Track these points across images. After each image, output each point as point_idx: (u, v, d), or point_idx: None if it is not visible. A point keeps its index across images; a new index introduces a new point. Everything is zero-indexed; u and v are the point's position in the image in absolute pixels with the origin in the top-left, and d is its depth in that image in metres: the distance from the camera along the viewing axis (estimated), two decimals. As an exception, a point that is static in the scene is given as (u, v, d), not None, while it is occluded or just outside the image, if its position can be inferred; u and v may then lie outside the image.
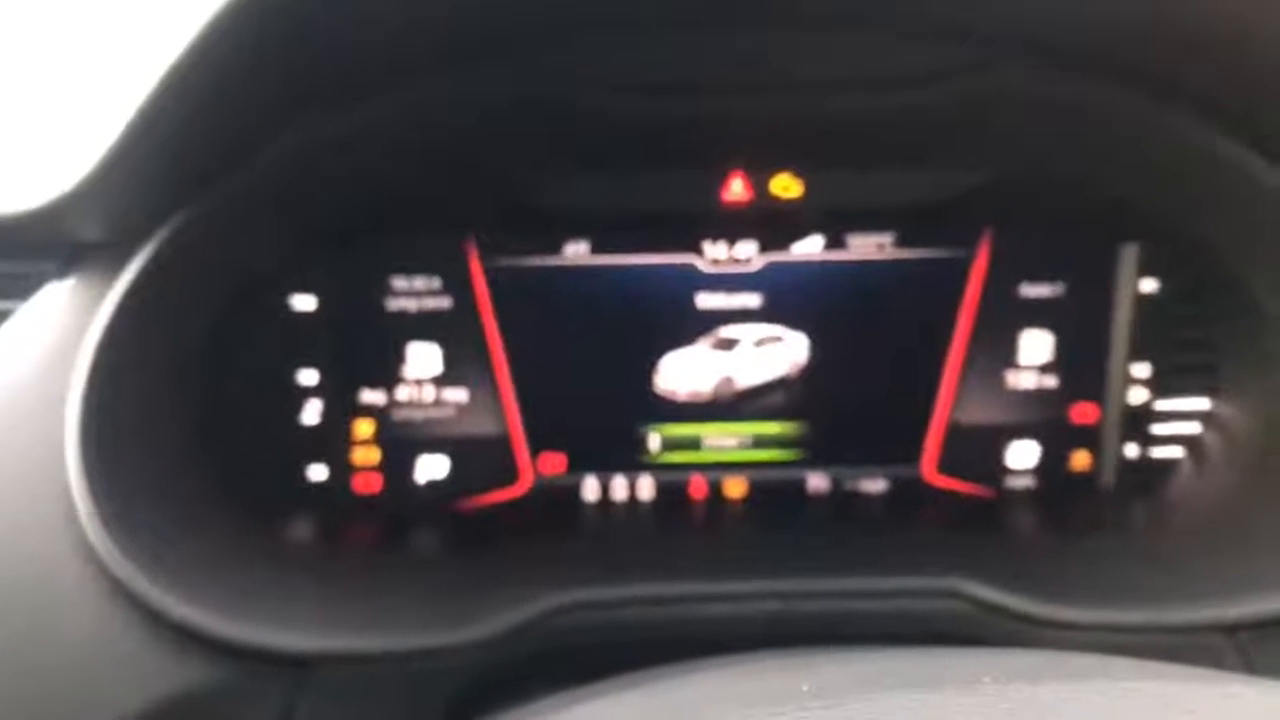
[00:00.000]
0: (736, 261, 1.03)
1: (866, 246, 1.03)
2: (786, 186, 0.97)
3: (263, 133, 0.78)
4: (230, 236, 0.85)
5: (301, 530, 1.03)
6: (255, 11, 0.63)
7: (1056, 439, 1.08)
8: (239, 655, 0.76)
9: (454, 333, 1.03)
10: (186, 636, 0.75)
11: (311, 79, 0.75)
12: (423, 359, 1.04)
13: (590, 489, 1.08)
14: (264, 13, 0.63)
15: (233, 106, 0.73)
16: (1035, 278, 1.04)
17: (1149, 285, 1.03)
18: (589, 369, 1.05)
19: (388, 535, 1.04)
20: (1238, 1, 0.69)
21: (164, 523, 0.82)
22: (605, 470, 1.08)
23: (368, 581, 0.92)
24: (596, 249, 1.02)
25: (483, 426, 1.06)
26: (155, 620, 0.75)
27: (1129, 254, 1.03)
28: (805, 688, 0.48)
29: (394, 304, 1.02)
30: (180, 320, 0.87)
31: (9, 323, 0.83)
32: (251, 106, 0.75)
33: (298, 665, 0.79)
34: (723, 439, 1.08)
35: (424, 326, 1.03)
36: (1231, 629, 0.83)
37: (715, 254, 1.03)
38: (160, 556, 0.78)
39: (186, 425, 0.91)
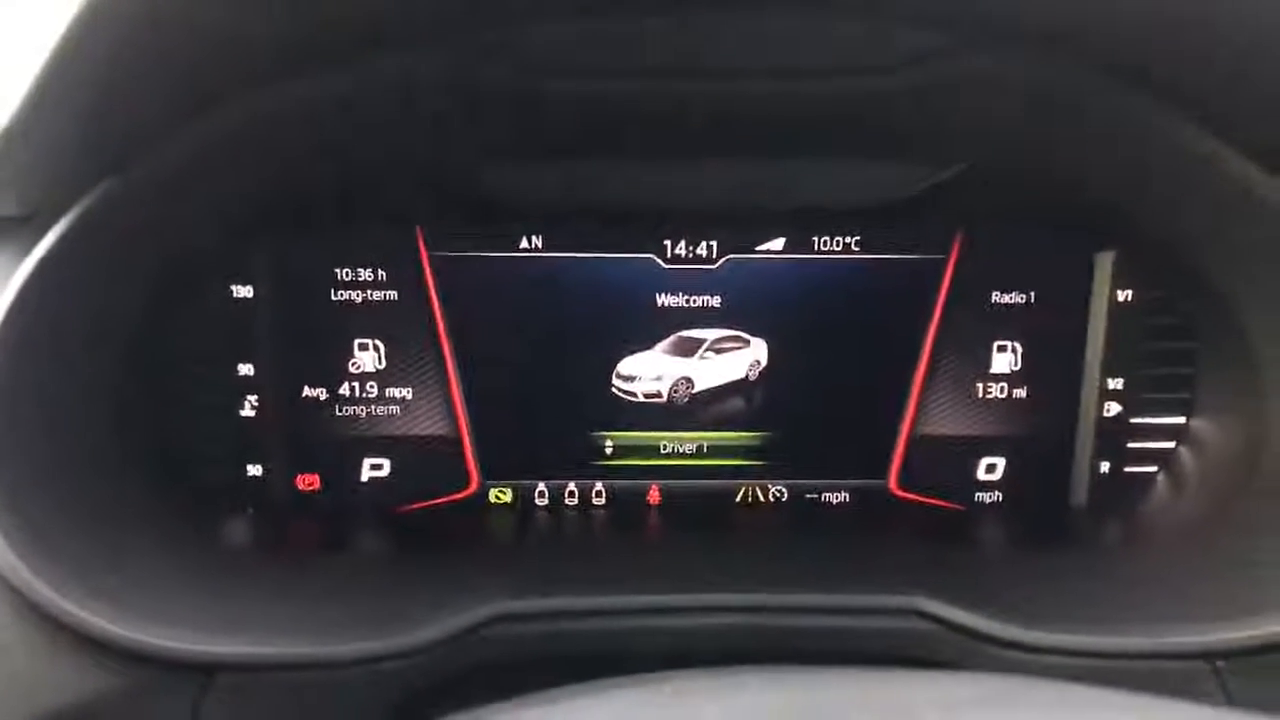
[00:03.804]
0: (698, 259, 0.99)
1: (832, 248, 0.99)
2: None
3: (181, 112, 0.74)
4: (155, 216, 0.80)
5: (235, 528, 0.98)
6: None
7: (1027, 453, 1.04)
8: (136, 661, 0.71)
9: (400, 327, 0.99)
10: (82, 641, 0.70)
11: (230, 59, 0.71)
12: (367, 354, 0.99)
13: (541, 494, 1.04)
14: None
15: (140, 83, 0.69)
16: (1007, 285, 1.00)
17: (1125, 294, 0.99)
18: (542, 369, 1.01)
19: (327, 536, 0.99)
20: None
21: (75, 521, 0.77)
22: (557, 475, 1.04)
23: (301, 585, 0.88)
24: (551, 244, 0.97)
25: (429, 426, 1.01)
26: (49, 622, 0.70)
27: (1104, 261, 0.99)
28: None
29: (338, 296, 0.98)
30: (101, 301, 0.83)
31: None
32: (164, 84, 0.71)
33: (204, 672, 0.73)
34: (681, 445, 1.04)
35: (369, 320, 0.98)
36: (1209, 656, 0.79)
37: (676, 251, 0.98)
38: (67, 560, 0.73)
39: (108, 413, 0.86)
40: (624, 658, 0.79)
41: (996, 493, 1.05)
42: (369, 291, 0.98)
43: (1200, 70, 0.74)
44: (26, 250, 0.75)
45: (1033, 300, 1.00)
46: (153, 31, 0.64)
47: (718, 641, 0.83)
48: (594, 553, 0.99)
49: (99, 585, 0.74)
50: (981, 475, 1.04)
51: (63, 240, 0.75)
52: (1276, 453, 0.92)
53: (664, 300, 1.00)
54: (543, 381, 1.01)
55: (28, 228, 0.77)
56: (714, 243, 0.98)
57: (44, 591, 0.69)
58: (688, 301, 1.00)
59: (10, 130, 0.68)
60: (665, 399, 1.02)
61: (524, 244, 0.97)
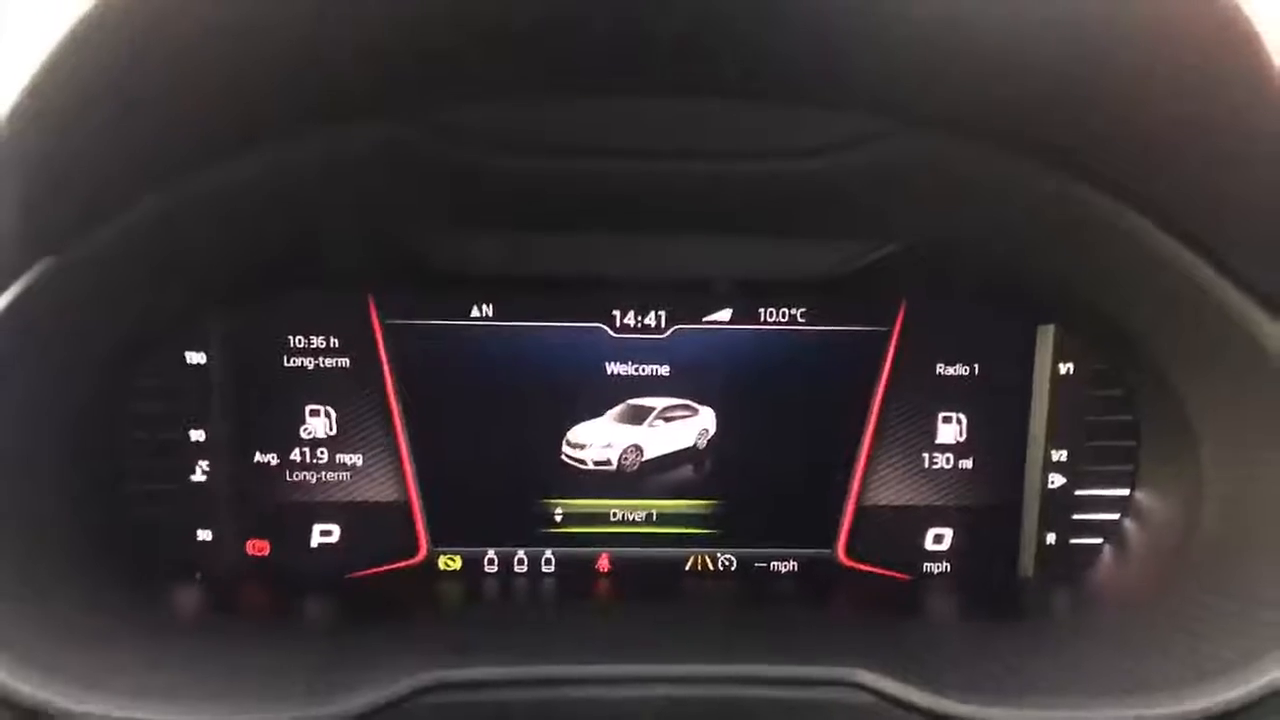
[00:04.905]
0: (646, 329, 1.00)
1: (778, 319, 1.00)
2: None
3: (121, 192, 0.75)
4: (99, 291, 0.82)
5: (185, 595, 0.98)
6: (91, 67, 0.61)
7: (974, 523, 1.04)
8: None
9: (352, 394, 1.00)
10: (10, 709, 0.70)
11: (171, 140, 0.73)
12: (319, 420, 1.00)
13: (490, 561, 1.04)
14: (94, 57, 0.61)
15: (81, 164, 0.71)
16: (951, 357, 1.02)
17: (1067, 367, 1.01)
18: (493, 436, 1.02)
19: (275, 602, 0.99)
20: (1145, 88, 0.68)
21: (11, 587, 0.77)
22: (507, 542, 1.04)
23: (247, 650, 0.87)
24: (501, 313, 0.99)
25: (379, 493, 1.02)
26: None
27: (1046, 335, 1.00)
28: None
29: (290, 362, 0.99)
30: (51, 371, 0.84)
31: None
32: (104, 165, 0.72)
33: None
34: (631, 514, 1.04)
35: (321, 386, 1.00)
36: None
37: (625, 321, 1.00)
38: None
39: (60, 482, 0.87)
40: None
41: (944, 563, 1.05)
42: (321, 358, 0.99)
43: (1135, 154, 0.76)
44: None
45: (977, 372, 1.02)
46: (94, 114, 0.66)
47: (659, 712, 0.82)
48: (542, 621, 0.99)
49: (32, 651, 0.74)
50: (929, 545, 1.05)
51: (5, 315, 0.76)
52: (1215, 525, 0.92)
53: (613, 369, 1.01)
54: (493, 449, 1.02)
55: None
56: (662, 313, 1.00)
57: None
58: (637, 370, 1.01)
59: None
60: (615, 466, 1.03)
61: (474, 313, 0.99)
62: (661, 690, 0.82)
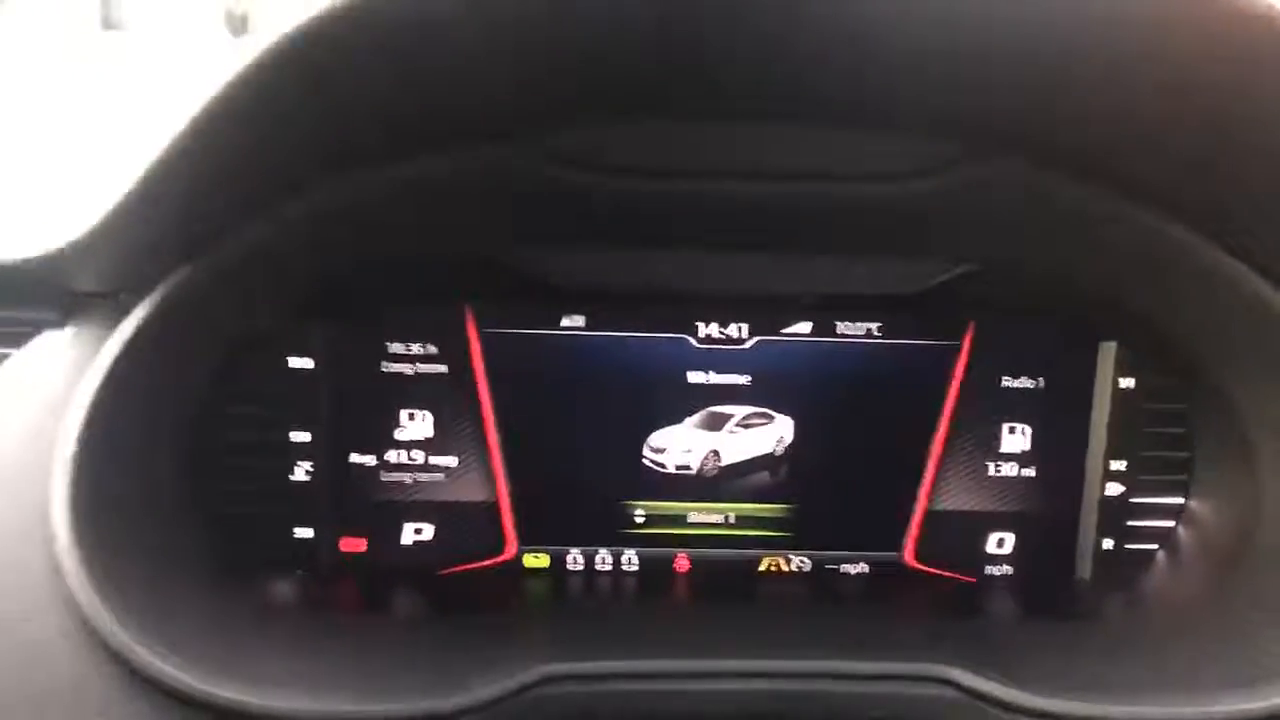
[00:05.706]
0: (729, 340, 1.05)
1: (855, 333, 1.05)
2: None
3: (263, 202, 0.80)
4: (229, 297, 0.86)
5: (286, 589, 1.02)
6: (256, 91, 0.65)
7: (1035, 529, 1.10)
8: (215, 713, 0.75)
9: (447, 399, 1.04)
10: (165, 694, 0.74)
11: (310, 154, 0.77)
12: (414, 424, 1.04)
13: (575, 560, 1.09)
14: (264, 93, 0.65)
15: (233, 177, 0.75)
16: (1017, 371, 1.07)
17: (1127, 382, 1.06)
18: (579, 440, 1.06)
19: (372, 598, 1.03)
20: (1216, 119, 0.72)
21: (150, 578, 0.82)
22: (590, 543, 1.09)
23: (349, 644, 0.92)
24: (591, 323, 1.04)
25: (471, 494, 1.06)
26: (136, 677, 0.74)
27: (1108, 351, 1.06)
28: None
29: (389, 368, 1.03)
30: (176, 374, 0.88)
31: (2, 368, 0.83)
32: (253, 178, 0.77)
33: None
34: (708, 516, 1.09)
35: (418, 392, 1.04)
36: None
37: (708, 332, 1.05)
38: (144, 612, 0.77)
39: (178, 479, 0.92)
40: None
41: (1005, 566, 1.10)
42: (419, 365, 1.03)
43: (1200, 180, 0.81)
44: (106, 329, 0.81)
45: (1041, 386, 1.07)
46: (250, 132, 0.70)
47: (754, 705, 0.87)
48: (626, 618, 1.03)
49: (171, 637, 0.78)
50: (991, 549, 1.10)
51: (145, 322, 0.81)
52: (1268, 532, 0.98)
53: (695, 377, 1.06)
54: (579, 452, 1.06)
55: (106, 305, 0.83)
56: (744, 325, 1.05)
57: (135, 648, 0.74)
58: (718, 379, 1.06)
59: (114, 214, 0.74)
60: (695, 471, 1.07)
61: (566, 323, 1.04)
62: (762, 685, 0.87)
